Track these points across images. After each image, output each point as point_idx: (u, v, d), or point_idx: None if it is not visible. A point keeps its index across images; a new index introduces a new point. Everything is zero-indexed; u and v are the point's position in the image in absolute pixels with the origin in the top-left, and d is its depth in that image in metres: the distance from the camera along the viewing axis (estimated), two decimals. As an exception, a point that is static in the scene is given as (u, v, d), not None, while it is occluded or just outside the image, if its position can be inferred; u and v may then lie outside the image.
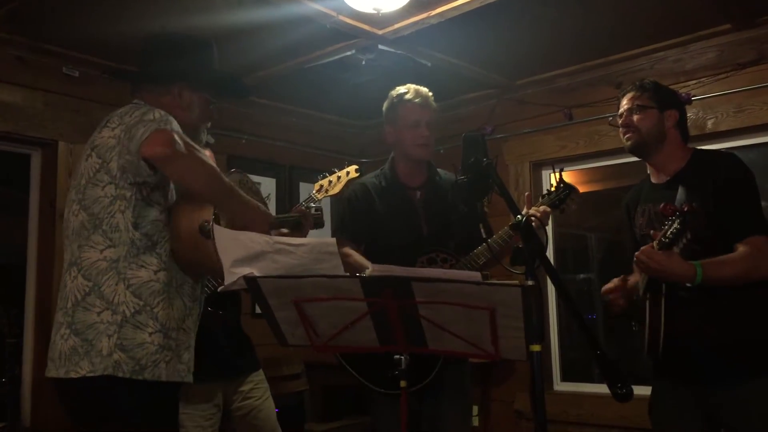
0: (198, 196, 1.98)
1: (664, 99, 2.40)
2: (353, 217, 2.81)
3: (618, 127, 2.46)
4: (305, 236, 2.49)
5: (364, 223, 2.79)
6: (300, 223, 2.46)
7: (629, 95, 2.45)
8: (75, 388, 1.89)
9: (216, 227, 1.86)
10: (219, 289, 1.86)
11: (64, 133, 3.71)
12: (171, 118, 1.91)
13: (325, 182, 2.90)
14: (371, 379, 2.60)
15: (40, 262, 3.70)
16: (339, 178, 2.93)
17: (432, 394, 2.64)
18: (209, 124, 2.25)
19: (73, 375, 1.86)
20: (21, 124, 3.58)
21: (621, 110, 2.46)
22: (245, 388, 3.03)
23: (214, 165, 1.96)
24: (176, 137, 1.83)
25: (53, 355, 1.94)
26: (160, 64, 2.12)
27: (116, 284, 1.90)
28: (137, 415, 1.88)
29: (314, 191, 2.83)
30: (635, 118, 2.40)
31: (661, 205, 2.18)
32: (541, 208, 2.66)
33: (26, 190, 3.78)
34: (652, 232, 2.21)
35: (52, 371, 1.93)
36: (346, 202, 2.87)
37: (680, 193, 2.28)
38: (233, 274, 1.78)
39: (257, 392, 3.06)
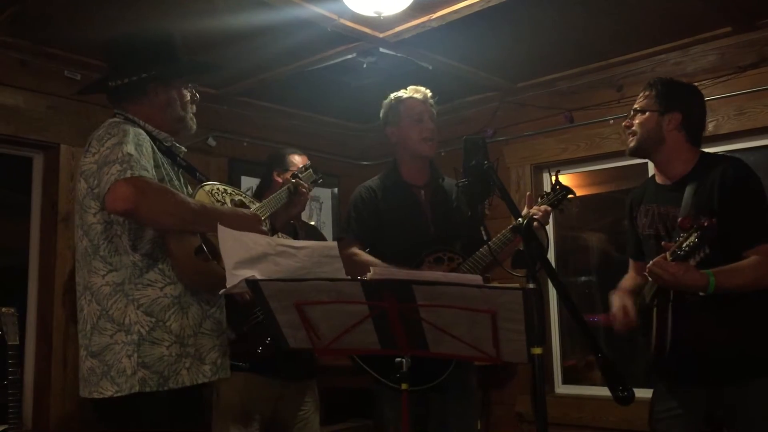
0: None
1: (668, 101, 2.37)
2: (359, 219, 2.83)
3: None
4: (305, 199, 2.52)
5: (371, 225, 2.81)
6: (293, 191, 2.47)
7: (644, 90, 2.46)
8: (106, 407, 1.96)
9: (220, 227, 1.86)
10: (221, 293, 1.86)
11: (66, 136, 3.72)
12: (133, 159, 1.89)
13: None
14: (383, 375, 2.61)
15: (41, 265, 3.70)
16: None
17: (439, 394, 2.65)
18: (195, 108, 2.26)
19: (96, 396, 1.94)
20: (23, 127, 3.58)
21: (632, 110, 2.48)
22: (304, 398, 3.10)
23: (176, 195, 1.95)
24: (135, 187, 1.83)
25: (80, 375, 2.03)
26: (127, 73, 2.12)
27: (125, 306, 1.94)
28: (168, 421, 1.95)
29: None
30: (636, 120, 2.41)
31: (680, 218, 2.17)
32: (542, 207, 2.69)
33: (27, 192, 3.79)
34: (663, 243, 2.19)
35: (81, 391, 2.02)
36: (351, 204, 2.89)
37: (686, 197, 2.27)
38: (235, 277, 1.79)
39: (309, 406, 3.12)
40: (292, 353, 2.91)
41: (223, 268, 1.90)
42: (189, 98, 2.22)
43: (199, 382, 2.01)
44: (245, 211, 2.15)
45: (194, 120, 2.25)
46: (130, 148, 1.91)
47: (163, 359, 1.94)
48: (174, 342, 1.96)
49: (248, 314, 2.87)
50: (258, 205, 2.44)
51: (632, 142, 2.43)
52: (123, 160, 1.88)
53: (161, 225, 1.95)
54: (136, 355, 1.91)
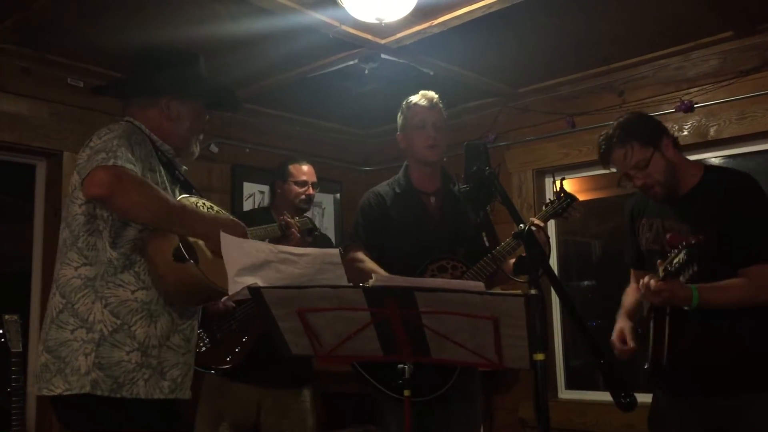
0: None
1: (650, 135, 2.31)
2: (367, 225, 2.82)
3: (635, 187, 2.37)
4: (296, 240, 2.49)
5: (378, 231, 2.80)
6: (286, 227, 2.46)
7: (618, 154, 2.32)
8: (57, 405, 1.92)
9: (223, 234, 1.86)
10: (222, 300, 1.86)
11: (69, 143, 3.72)
12: (120, 151, 1.88)
13: None
14: (385, 384, 2.60)
15: (44, 271, 3.70)
16: None
17: (443, 403, 2.65)
18: (201, 136, 2.24)
19: (45, 393, 1.88)
20: (26, 134, 3.59)
21: (620, 172, 2.36)
22: (280, 405, 3.07)
23: (154, 189, 1.92)
24: (112, 174, 1.82)
25: (34, 372, 1.97)
26: (145, 78, 2.13)
27: (92, 303, 1.90)
28: (120, 430, 1.88)
29: None
30: (645, 175, 2.29)
31: (668, 235, 2.17)
32: (540, 223, 2.65)
33: (30, 199, 3.80)
34: (658, 261, 2.19)
35: (29, 387, 1.95)
36: (359, 210, 2.89)
37: (690, 215, 2.26)
38: (238, 284, 1.78)
39: (294, 414, 3.10)
40: (273, 360, 2.92)
41: (201, 271, 1.90)
42: (200, 122, 2.20)
43: (155, 397, 1.93)
44: (228, 217, 2.09)
45: (198, 146, 2.23)
46: (122, 141, 1.91)
47: (120, 364, 1.88)
48: (135, 349, 1.91)
49: (223, 322, 2.88)
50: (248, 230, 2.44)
51: (661, 192, 2.30)
52: (110, 149, 1.87)
53: (135, 217, 1.91)
54: (93, 354, 1.86)
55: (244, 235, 2.03)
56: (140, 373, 1.91)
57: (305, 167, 3.33)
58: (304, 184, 3.28)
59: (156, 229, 1.94)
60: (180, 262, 1.89)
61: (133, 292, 1.93)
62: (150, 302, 1.95)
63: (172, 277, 1.91)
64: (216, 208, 2.17)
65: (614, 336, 2.41)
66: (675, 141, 2.38)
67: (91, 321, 1.89)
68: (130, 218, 1.93)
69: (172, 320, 2.00)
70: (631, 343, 2.34)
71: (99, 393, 1.85)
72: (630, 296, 2.53)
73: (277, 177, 3.32)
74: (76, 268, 1.93)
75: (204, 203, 2.13)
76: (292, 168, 3.29)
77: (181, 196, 2.09)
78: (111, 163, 1.84)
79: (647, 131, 2.32)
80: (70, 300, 1.91)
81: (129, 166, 1.88)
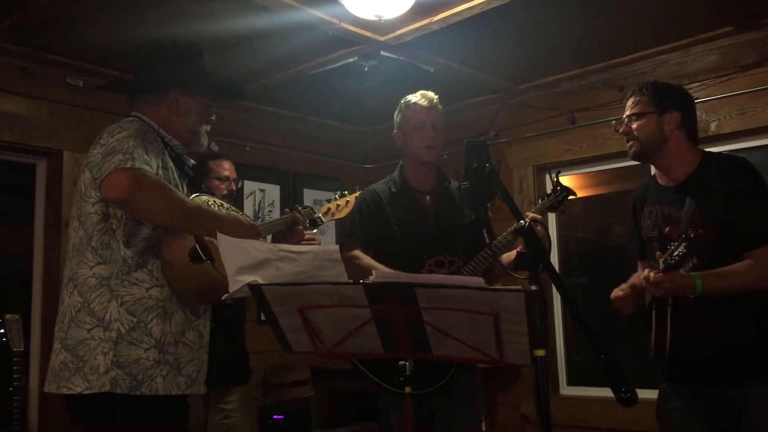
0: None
1: (664, 101, 2.35)
2: (363, 223, 2.83)
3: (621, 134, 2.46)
4: (301, 236, 2.48)
5: (374, 229, 2.82)
6: (293, 222, 2.45)
7: (630, 100, 2.42)
8: (75, 404, 1.91)
9: (220, 235, 1.86)
10: (223, 297, 1.86)
11: (69, 142, 3.73)
12: (137, 152, 1.88)
13: (333, 206, 2.82)
14: (385, 379, 2.60)
15: (45, 271, 3.71)
16: (347, 202, 2.89)
17: (443, 396, 2.65)
18: (209, 127, 2.25)
19: (65, 391, 1.89)
20: (26, 134, 3.60)
21: (623, 116, 2.45)
22: (227, 406, 3.06)
23: (173, 192, 1.92)
24: (132, 177, 1.82)
25: (49, 369, 1.97)
26: (153, 74, 2.13)
27: (108, 301, 1.91)
28: (140, 428, 1.89)
29: (320, 214, 2.80)
30: (634, 125, 2.37)
31: (667, 228, 2.17)
32: (537, 216, 2.65)
33: (30, 199, 3.80)
34: (657, 253, 2.20)
35: (46, 386, 1.96)
36: (356, 208, 2.89)
37: (689, 202, 2.26)
38: (237, 282, 1.78)
39: (238, 413, 3.09)
40: (210, 361, 2.89)
41: (217, 271, 1.89)
42: (208, 115, 2.21)
43: (173, 393, 1.93)
44: (243, 218, 2.10)
45: (206, 137, 2.24)
46: (137, 142, 1.91)
47: (139, 362, 1.88)
48: (153, 346, 1.91)
49: None
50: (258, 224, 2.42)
51: (634, 147, 2.39)
52: (126, 150, 1.87)
53: (154, 219, 1.92)
54: (111, 353, 1.86)
55: (257, 236, 2.03)
56: (158, 369, 1.91)
57: (226, 164, 3.31)
58: (225, 179, 3.26)
59: (170, 228, 1.94)
60: (197, 263, 1.89)
61: (147, 289, 1.94)
62: (164, 300, 1.95)
63: (189, 278, 1.91)
64: (226, 205, 2.17)
65: (615, 292, 2.41)
66: (689, 125, 2.38)
67: (107, 320, 1.89)
68: (149, 220, 1.94)
69: (186, 317, 2.00)
70: (629, 295, 2.35)
71: (118, 391, 1.86)
72: (635, 279, 2.53)
73: None
74: (91, 267, 1.94)
75: (215, 201, 2.13)
76: (212, 164, 3.26)
77: (193, 196, 2.08)
78: (129, 165, 1.84)
79: (663, 95, 2.37)
80: (86, 299, 1.92)
81: (146, 167, 1.88)
